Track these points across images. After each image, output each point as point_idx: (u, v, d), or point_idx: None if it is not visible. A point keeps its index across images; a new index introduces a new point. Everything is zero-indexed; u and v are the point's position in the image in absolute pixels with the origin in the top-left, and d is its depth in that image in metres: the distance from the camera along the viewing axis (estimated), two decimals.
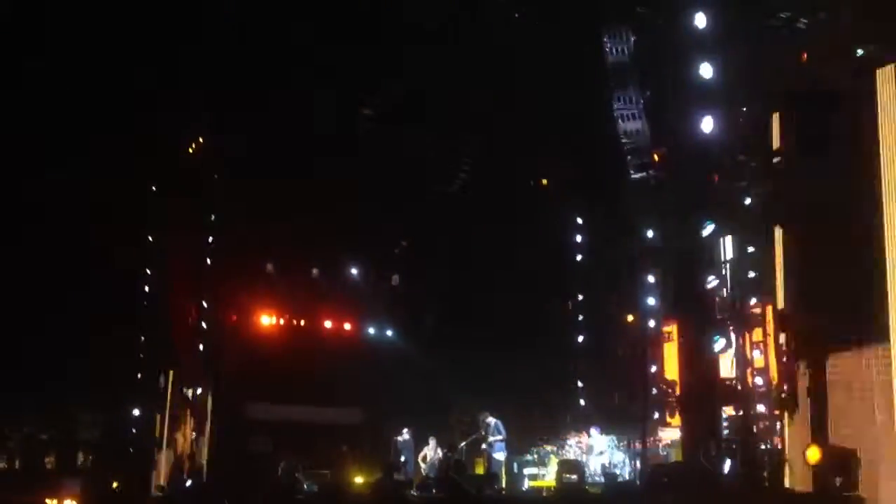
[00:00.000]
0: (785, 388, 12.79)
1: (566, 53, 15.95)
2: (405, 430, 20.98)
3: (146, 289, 24.64)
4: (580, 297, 22.55)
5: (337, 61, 17.21)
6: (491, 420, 19.18)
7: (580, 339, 22.39)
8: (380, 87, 18.24)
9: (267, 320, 23.61)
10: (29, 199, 21.60)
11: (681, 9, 14.04)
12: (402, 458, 20.46)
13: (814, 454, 11.47)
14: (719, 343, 13.95)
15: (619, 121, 16.58)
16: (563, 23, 15.47)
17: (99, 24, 17.05)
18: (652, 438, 17.57)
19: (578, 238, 22.43)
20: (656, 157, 16.68)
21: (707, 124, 14.01)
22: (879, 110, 11.74)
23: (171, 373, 22.79)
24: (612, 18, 15.24)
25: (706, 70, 13.86)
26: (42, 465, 26.35)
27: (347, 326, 24.37)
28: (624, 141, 16.67)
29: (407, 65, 16.94)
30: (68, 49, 17.74)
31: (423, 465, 20.09)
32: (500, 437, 19.05)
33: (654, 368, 18.98)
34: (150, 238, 24.12)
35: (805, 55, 13.32)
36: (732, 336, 14.09)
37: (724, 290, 14.72)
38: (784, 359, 12.90)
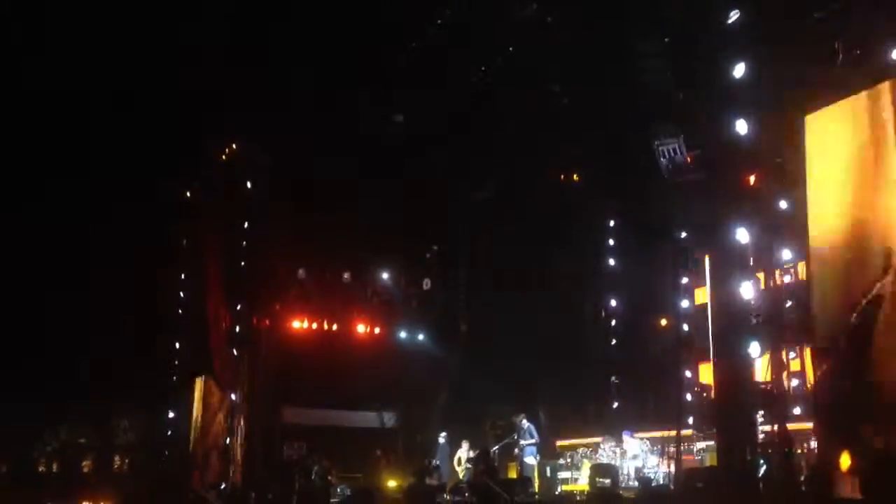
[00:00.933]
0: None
1: (596, 54, 15.88)
2: (442, 435, 20.99)
3: (181, 294, 24.95)
4: (613, 302, 22.41)
5: (367, 66, 17.27)
6: (525, 423, 19.13)
7: (614, 342, 22.25)
8: (413, 91, 18.25)
9: (299, 325, 23.73)
10: (66, 209, 21.93)
11: (714, 8, 13.92)
12: (436, 462, 20.48)
13: (846, 461, 11.28)
14: (754, 347, 13.79)
15: (653, 122, 16.45)
16: (594, 23, 15.39)
17: (135, 24, 17.25)
18: (686, 443, 17.40)
19: (611, 241, 22.30)
20: (690, 159, 16.52)
21: (741, 126, 13.88)
22: None
23: (206, 377, 23.02)
24: (645, 20, 15.13)
25: (740, 70, 13.73)
26: (79, 469, 26.72)
27: (379, 331, 24.44)
28: (657, 143, 16.53)
29: (437, 68, 16.94)
30: (98, 48, 17.94)
31: (458, 469, 20.08)
32: (532, 441, 18.99)
33: (688, 372, 18.83)
34: (185, 243, 24.42)
35: (839, 56, 13.17)
36: (768, 339, 13.94)
37: (760, 293, 14.57)
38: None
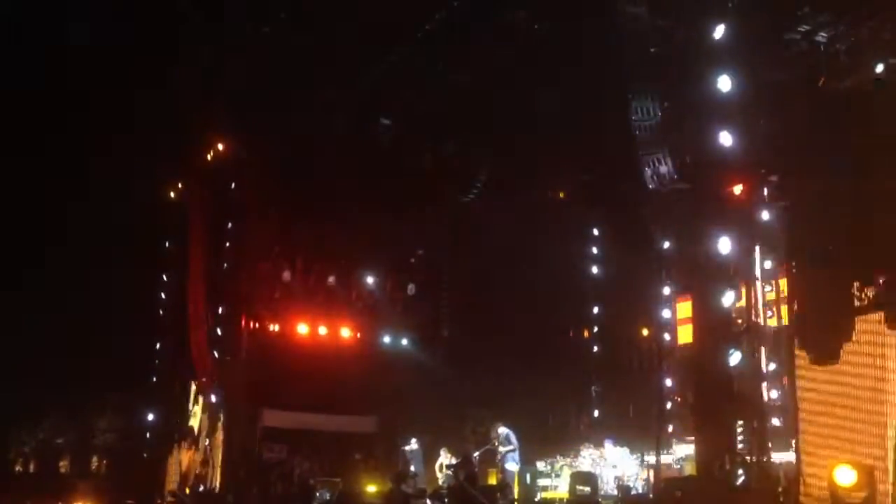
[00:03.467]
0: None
1: (583, 64, 15.95)
2: (413, 440, 20.94)
3: (163, 295, 24.84)
4: (596, 309, 22.48)
5: (355, 69, 17.29)
6: (504, 430, 19.12)
7: (595, 350, 22.31)
8: (398, 96, 18.29)
9: (283, 328, 23.64)
10: (45, 203, 21.83)
11: (701, 21, 14.01)
12: (412, 468, 20.45)
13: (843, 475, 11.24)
14: (735, 356, 13.87)
15: (637, 132, 16.53)
16: (581, 33, 15.46)
17: (120, 23, 17.23)
18: (666, 451, 17.48)
19: (595, 250, 22.37)
20: (679, 167, 16.60)
21: (725, 137, 13.97)
22: None
23: (187, 379, 22.94)
24: (632, 31, 15.22)
25: (725, 82, 13.82)
26: (56, 469, 26.52)
27: (362, 335, 24.37)
28: (641, 152, 16.62)
29: (425, 73, 16.98)
30: (85, 46, 17.91)
31: (439, 475, 20.04)
32: (512, 448, 18.97)
33: (669, 381, 18.90)
34: (168, 244, 24.33)
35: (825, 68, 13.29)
36: (748, 349, 14.03)
37: (741, 303, 14.65)
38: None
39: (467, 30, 16.25)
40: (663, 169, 16.60)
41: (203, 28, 18.01)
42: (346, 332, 24.07)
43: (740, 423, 13.97)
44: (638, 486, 17.37)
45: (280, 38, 17.38)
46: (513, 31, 16.18)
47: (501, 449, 18.95)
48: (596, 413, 21.74)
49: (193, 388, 22.73)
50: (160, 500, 22.92)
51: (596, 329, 22.44)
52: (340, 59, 17.34)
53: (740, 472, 13.28)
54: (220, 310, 22.04)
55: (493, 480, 19.09)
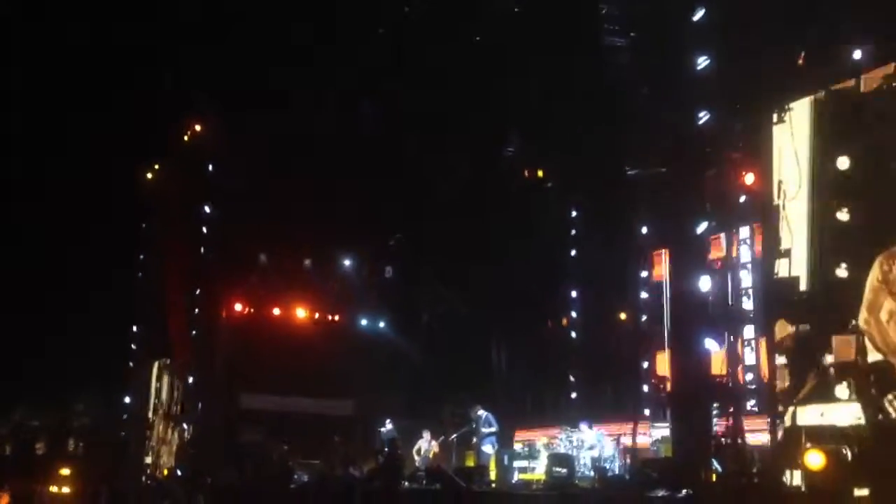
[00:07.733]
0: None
1: (564, 45, 15.93)
2: (388, 422, 20.99)
3: (139, 276, 24.68)
4: (574, 293, 22.52)
5: (335, 56, 17.20)
6: (482, 413, 19.18)
7: (573, 333, 22.36)
8: (377, 80, 18.20)
9: (259, 310, 23.56)
10: (24, 188, 21.60)
11: (680, 2, 13.99)
12: (387, 450, 20.49)
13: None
14: (711, 340, 13.93)
15: (617, 114, 16.53)
16: (561, 16, 15.43)
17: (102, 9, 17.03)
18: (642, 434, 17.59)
19: (574, 232, 22.38)
20: (654, 152, 16.63)
21: (703, 120, 13.99)
22: None
23: (165, 361, 22.82)
24: (612, 12, 15.20)
25: (703, 65, 13.82)
26: (33, 452, 26.32)
27: (339, 318, 24.35)
28: (621, 134, 16.64)
29: (404, 57, 16.91)
30: (66, 31, 17.71)
31: (417, 458, 20.09)
32: (491, 430, 19.05)
33: (646, 364, 19.00)
34: (145, 226, 24.16)
35: (803, 54, 13.30)
36: (724, 334, 14.10)
37: (717, 287, 14.71)
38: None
39: (446, 13, 16.18)
40: (642, 152, 16.65)
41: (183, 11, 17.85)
42: (322, 315, 24.05)
43: (716, 406, 14.09)
44: (614, 468, 17.48)
45: (257, 26, 17.25)
46: (494, 17, 16.13)
47: (482, 430, 19.02)
48: (574, 395, 21.81)
49: (155, 368, 22.60)
50: (138, 482, 22.84)
51: (574, 312, 22.48)
52: (320, 46, 17.25)
53: (716, 454, 13.38)
54: (197, 292, 21.94)
55: (470, 462, 19.18)
